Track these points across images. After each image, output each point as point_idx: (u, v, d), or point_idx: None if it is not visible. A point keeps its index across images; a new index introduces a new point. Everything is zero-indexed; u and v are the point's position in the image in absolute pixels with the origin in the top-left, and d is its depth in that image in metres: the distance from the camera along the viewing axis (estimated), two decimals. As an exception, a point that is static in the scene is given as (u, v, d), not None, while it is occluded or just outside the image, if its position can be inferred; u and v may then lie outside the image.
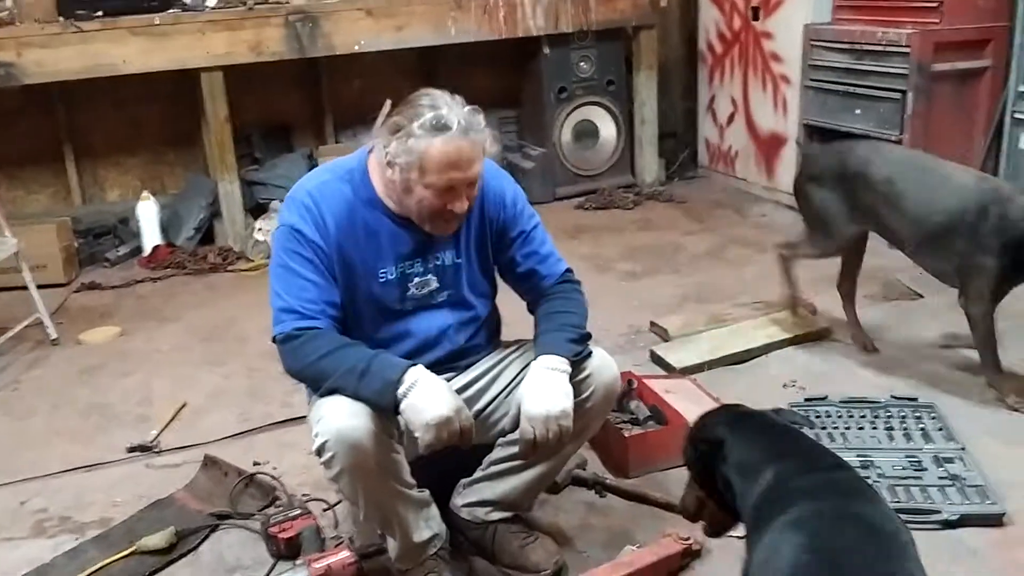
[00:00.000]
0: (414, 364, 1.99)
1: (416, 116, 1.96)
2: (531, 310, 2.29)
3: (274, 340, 2.07)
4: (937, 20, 4.21)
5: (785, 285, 3.51)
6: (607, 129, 5.63)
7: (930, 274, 3.15)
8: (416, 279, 2.16)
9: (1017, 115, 4.23)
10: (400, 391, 1.93)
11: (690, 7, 5.88)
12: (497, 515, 2.31)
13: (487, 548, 2.33)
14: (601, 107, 5.58)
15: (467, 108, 2.00)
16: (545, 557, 2.27)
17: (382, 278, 2.13)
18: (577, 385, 2.12)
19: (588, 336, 2.19)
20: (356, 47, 4.90)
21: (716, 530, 1.96)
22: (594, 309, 2.31)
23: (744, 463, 1.76)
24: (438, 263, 2.17)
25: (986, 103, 4.36)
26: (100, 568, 2.38)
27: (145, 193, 4.93)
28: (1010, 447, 2.72)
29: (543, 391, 2.04)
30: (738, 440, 1.79)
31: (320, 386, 2.00)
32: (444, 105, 1.97)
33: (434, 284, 2.18)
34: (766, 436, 1.82)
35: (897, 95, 4.28)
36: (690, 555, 2.30)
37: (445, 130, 1.94)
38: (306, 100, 5.54)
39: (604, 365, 2.20)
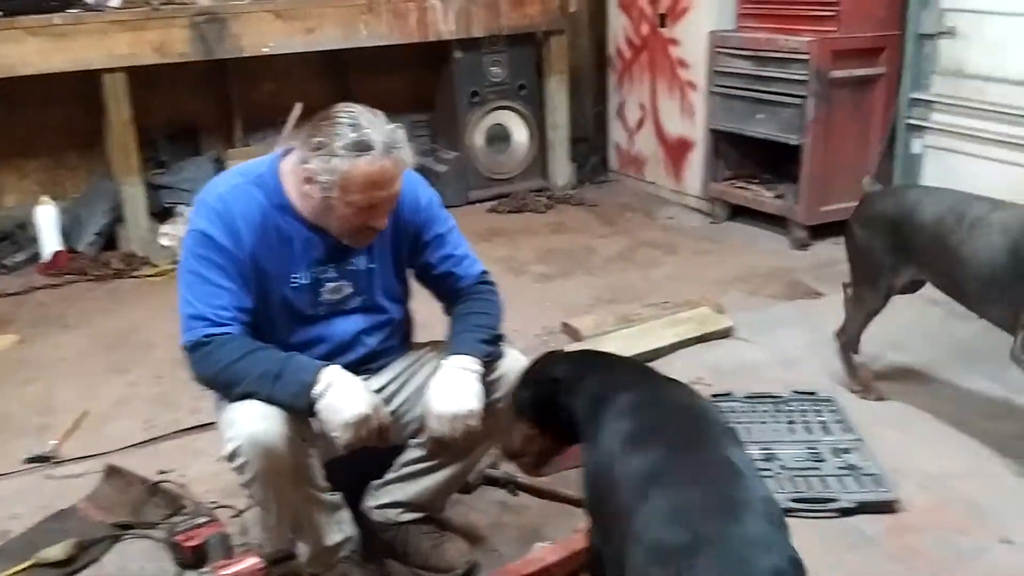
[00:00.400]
0: (328, 365, 1.98)
1: (338, 135, 1.94)
2: (447, 312, 2.30)
3: (183, 347, 2.03)
4: (835, 28, 4.38)
5: (850, 371, 3.16)
6: (519, 133, 5.68)
7: (997, 325, 2.73)
8: (329, 284, 2.15)
9: (910, 121, 4.43)
10: (315, 392, 1.92)
11: (599, 14, 5.96)
12: (409, 516, 2.31)
13: (399, 549, 2.33)
14: (513, 111, 5.62)
15: (389, 125, 1.99)
16: (456, 557, 2.29)
17: (294, 283, 2.11)
18: (489, 385, 2.14)
19: (501, 337, 2.21)
20: (265, 49, 4.84)
21: (540, 461, 2.11)
22: (508, 310, 2.33)
23: (591, 391, 1.90)
24: (351, 268, 2.17)
25: (881, 109, 4.54)
26: (-3, 582, 2.31)
27: (44, 197, 4.77)
28: (904, 436, 2.84)
29: (450, 390, 2.05)
30: (584, 373, 1.96)
31: (232, 392, 1.98)
32: (367, 123, 1.96)
33: (348, 290, 2.17)
34: (604, 367, 2.01)
35: (798, 101, 4.43)
36: (600, 550, 2.34)
37: (368, 150, 1.93)
38: (214, 102, 5.43)
39: (517, 366, 2.21)
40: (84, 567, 2.36)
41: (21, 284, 4.52)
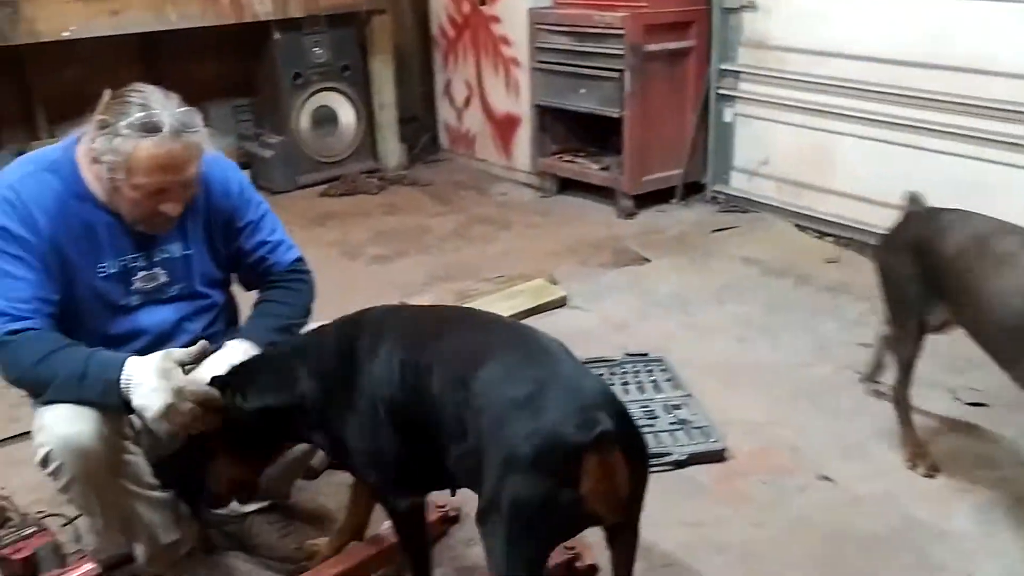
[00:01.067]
0: (130, 357, 1.88)
1: (124, 114, 1.86)
2: (252, 288, 2.28)
3: None
4: (646, 3, 4.54)
5: (907, 432, 2.64)
6: (346, 115, 5.61)
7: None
8: (141, 273, 2.07)
9: (720, 91, 4.67)
10: (123, 389, 1.84)
11: (421, -8, 5.96)
12: (253, 506, 2.28)
13: (245, 542, 2.30)
14: (338, 92, 5.53)
15: (182, 108, 1.93)
16: (307, 542, 2.27)
17: (101, 272, 2.03)
18: None
19: (296, 327, 2.17)
20: (65, 34, 4.55)
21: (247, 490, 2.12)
22: (345, 293, 2.33)
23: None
24: (165, 256, 2.10)
25: (694, 80, 4.75)
26: None
27: None
28: (729, 389, 3.02)
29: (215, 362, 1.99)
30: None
31: (42, 395, 1.90)
32: (156, 104, 1.88)
33: (163, 278, 2.10)
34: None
35: (616, 75, 4.57)
36: (448, 521, 2.38)
37: (155, 132, 1.86)
38: (12, 92, 5.07)
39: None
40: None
41: None
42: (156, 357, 1.86)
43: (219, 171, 2.13)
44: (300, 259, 2.28)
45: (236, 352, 2.02)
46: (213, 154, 2.10)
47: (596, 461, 1.56)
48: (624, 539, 1.83)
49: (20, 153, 4.72)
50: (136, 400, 1.82)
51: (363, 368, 1.85)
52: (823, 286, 3.78)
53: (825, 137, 4.27)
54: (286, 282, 2.22)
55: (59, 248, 1.96)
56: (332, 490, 2.55)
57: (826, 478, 2.57)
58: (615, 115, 4.64)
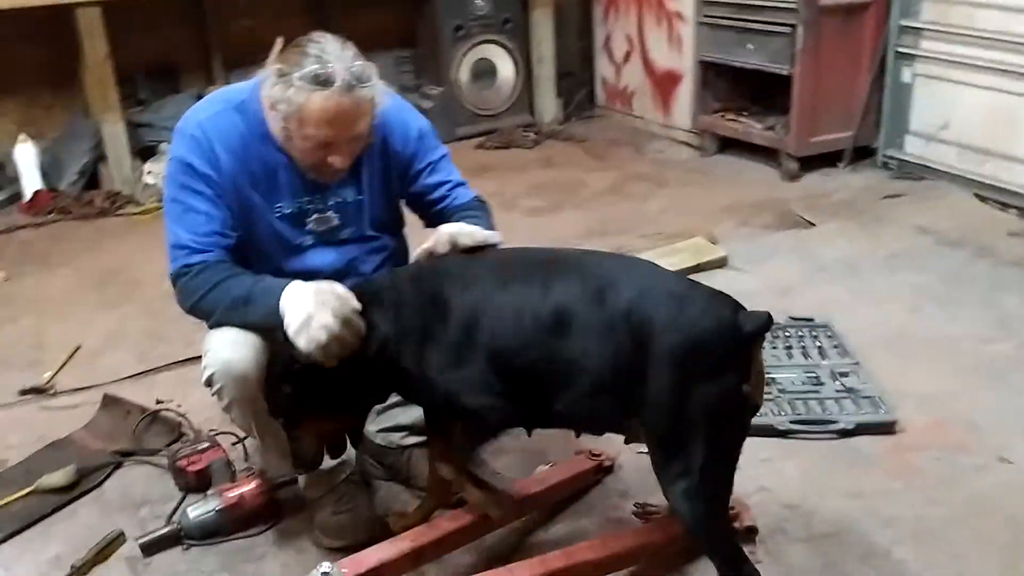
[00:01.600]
0: (292, 282, 1.90)
1: (299, 65, 1.88)
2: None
3: (170, 278, 2.02)
4: (825, -45, 4.31)
5: None
6: (505, 68, 5.60)
7: None
8: (315, 216, 2.11)
9: (899, 49, 4.40)
10: (281, 313, 1.85)
11: (585, -57, 5.87)
12: (412, 439, 2.31)
13: (402, 472, 2.33)
14: (498, 45, 5.53)
15: (357, 61, 1.92)
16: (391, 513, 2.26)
17: (277, 212, 2.07)
18: None
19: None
20: (245, -19, 4.72)
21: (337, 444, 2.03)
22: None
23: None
24: (339, 200, 2.12)
25: (871, 37, 4.48)
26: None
27: (22, 136, 4.66)
28: (901, 360, 2.86)
29: (463, 224, 2.00)
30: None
31: (212, 320, 1.98)
32: (331, 56, 1.88)
33: (335, 221, 2.13)
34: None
35: (788, 30, 4.37)
36: (602, 471, 2.35)
37: (326, 85, 1.86)
38: (193, 39, 5.29)
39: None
40: (85, 493, 2.34)
41: (3, 223, 4.44)
42: (316, 284, 1.87)
43: (399, 115, 2.14)
44: (479, 196, 2.26)
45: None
46: (394, 99, 2.10)
47: (758, 351, 1.67)
48: None
49: (199, 97, 5.03)
50: (294, 326, 1.81)
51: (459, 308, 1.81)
52: (1006, 260, 3.53)
53: (1016, 101, 3.96)
54: (470, 209, 2.18)
55: (239, 186, 2.02)
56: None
57: (1006, 460, 2.40)
58: (784, 72, 4.45)
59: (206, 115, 2.04)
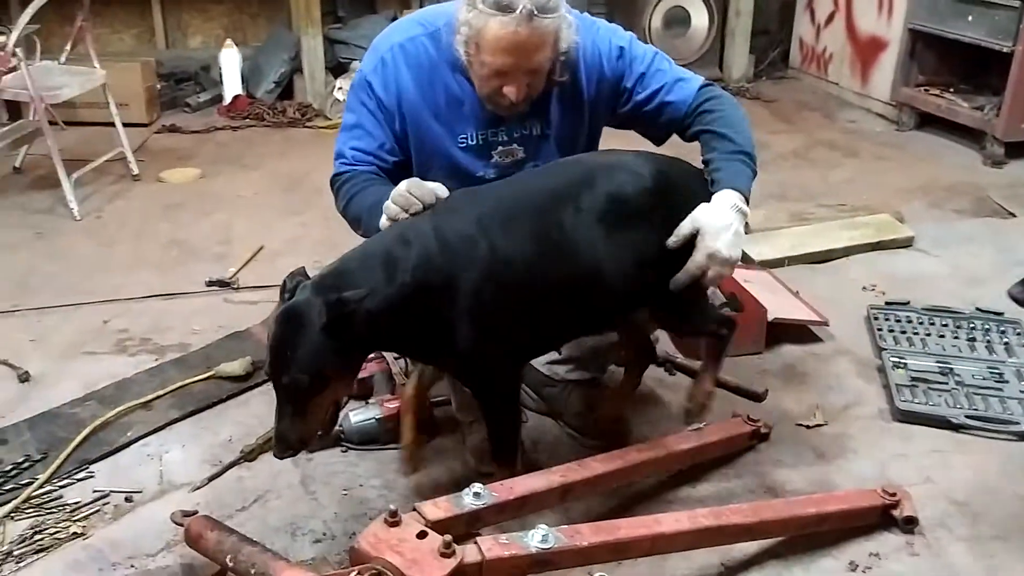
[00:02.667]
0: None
1: None
2: (684, 135, 2.13)
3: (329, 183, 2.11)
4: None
5: None
6: (699, 18, 5.44)
7: None
8: (500, 148, 2.09)
9: None
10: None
11: (801, -103, 5.59)
12: (576, 375, 2.31)
13: (556, 407, 2.34)
14: (696, -6, 5.37)
15: None
16: (613, 426, 2.28)
17: (462, 143, 2.07)
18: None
19: (749, 149, 2.04)
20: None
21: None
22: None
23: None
24: (525, 133, 2.09)
25: (1110, 20, 4.09)
26: (180, 387, 2.45)
27: (228, 41, 4.89)
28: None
29: (730, 235, 1.88)
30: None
31: (359, 227, 2.02)
32: None
33: (520, 154, 2.11)
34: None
35: (1016, 2, 4.04)
36: (757, 437, 2.30)
37: (506, 11, 1.81)
38: (392, -38, 5.42)
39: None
40: (258, 385, 2.47)
41: (203, 123, 4.70)
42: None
43: (589, 40, 2.04)
44: (705, 85, 2.11)
45: (730, 214, 1.90)
46: (588, 27, 2.04)
47: None
48: None
49: (394, 18, 5.14)
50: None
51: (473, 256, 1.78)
52: None
53: None
54: (703, 114, 2.06)
55: (418, 114, 2.03)
56: (643, 378, 2.55)
57: None
58: (1005, 49, 4.12)
59: (400, 38, 2.05)
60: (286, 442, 1.71)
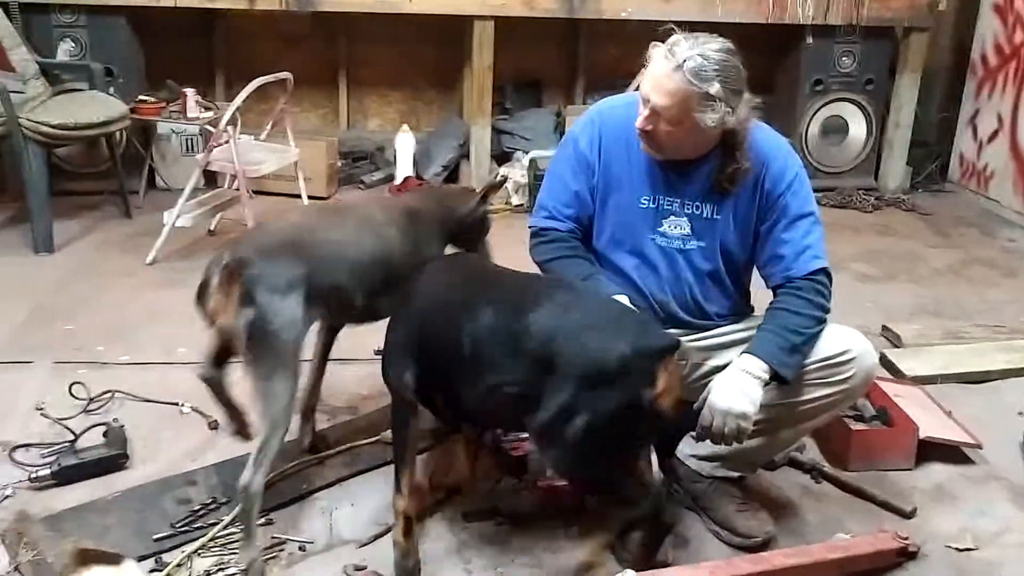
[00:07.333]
0: (618, 294, 2.17)
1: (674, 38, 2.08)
2: (773, 293, 2.30)
3: (528, 228, 2.39)
4: None
5: None
6: (857, 128, 5.48)
7: None
8: (671, 217, 2.26)
9: None
10: None
11: (967, 14, 5.61)
12: (723, 472, 2.39)
13: (703, 502, 2.41)
14: (855, 105, 5.41)
15: (715, 60, 2.02)
16: (757, 526, 2.34)
17: (643, 205, 2.26)
18: (839, 365, 2.19)
19: (808, 340, 2.18)
20: (623, 14, 4.99)
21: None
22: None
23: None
24: (696, 212, 2.24)
25: None
26: (350, 448, 2.65)
27: (404, 126, 5.24)
28: None
29: (731, 389, 2.09)
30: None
31: None
32: (695, 41, 2.04)
33: (686, 229, 2.26)
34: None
35: None
36: (906, 555, 2.30)
37: (669, 52, 2.04)
38: (561, 59, 5.70)
39: (867, 352, 2.24)
40: (420, 453, 2.63)
41: (375, 200, 5.03)
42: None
43: (782, 159, 2.23)
44: (822, 271, 2.24)
45: (742, 377, 2.10)
46: (780, 142, 2.24)
47: (671, 363, 1.92)
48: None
49: (559, 113, 5.41)
50: None
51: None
52: None
53: None
54: (798, 290, 2.21)
55: (611, 171, 2.27)
56: (787, 486, 2.60)
57: None
58: None
59: (612, 104, 2.35)
60: None
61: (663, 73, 2.04)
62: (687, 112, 2.06)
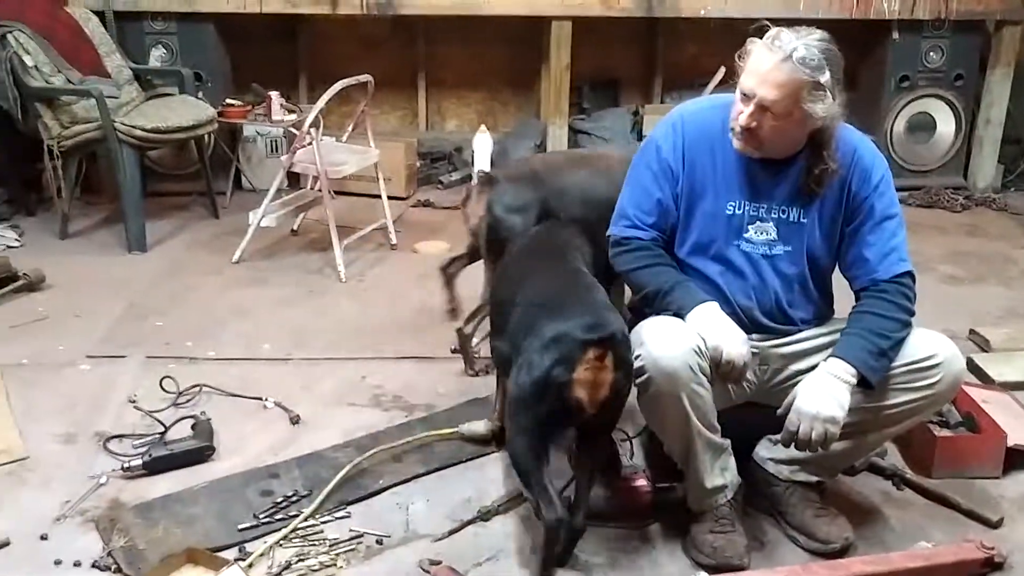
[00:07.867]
0: (709, 302, 2.14)
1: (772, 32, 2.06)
2: (856, 296, 2.28)
3: (608, 236, 2.35)
4: None
5: None
6: (946, 125, 5.33)
7: None
8: (757, 223, 2.23)
9: None
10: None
11: (1064, 6, 5.40)
12: (803, 476, 2.35)
13: (780, 508, 2.37)
14: (943, 101, 5.27)
15: (820, 49, 2.00)
16: (836, 532, 2.29)
17: (729, 211, 2.23)
18: (925, 370, 2.15)
19: (895, 344, 2.15)
20: (702, 12, 4.94)
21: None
22: (921, 310, 2.27)
23: None
24: (783, 216, 2.22)
25: None
26: (426, 442, 2.70)
27: (482, 127, 5.28)
28: None
29: (819, 393, 2.08)
30: None
31: (634, 295, 2.30)
32: (796, 33, 2.02)
33: (772, 234, 2.23)
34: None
35: None
36: (990, 565, 2.24)
37: (773, 44, 2.01)
38: (639, 58, 5.68)
39: (954, 356, 2.19)
40: (496, 451, 2.67)
41: (453, 200, 5.05)
42: (724, 323, 2.15)
43: (868, 159, 2.21)
44: (907, 274, 2.23)
45: (830, 380, 2.09)
46: (866, 141, 2.21)
47: (592, 354, 1.98)
48: (594, 445, 2.24)
49: (636, 112, 5.39)
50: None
51: None
52: None
53: None
54: (884, 292, 2.19)
55: (695, 176, 2.24)
56: (868, 492, 2.55)
57: None
58: None
59: (693, 108, 2.31)
60: None
61: (771, 65, 2.01)
62: (797, 103, 2.04)
